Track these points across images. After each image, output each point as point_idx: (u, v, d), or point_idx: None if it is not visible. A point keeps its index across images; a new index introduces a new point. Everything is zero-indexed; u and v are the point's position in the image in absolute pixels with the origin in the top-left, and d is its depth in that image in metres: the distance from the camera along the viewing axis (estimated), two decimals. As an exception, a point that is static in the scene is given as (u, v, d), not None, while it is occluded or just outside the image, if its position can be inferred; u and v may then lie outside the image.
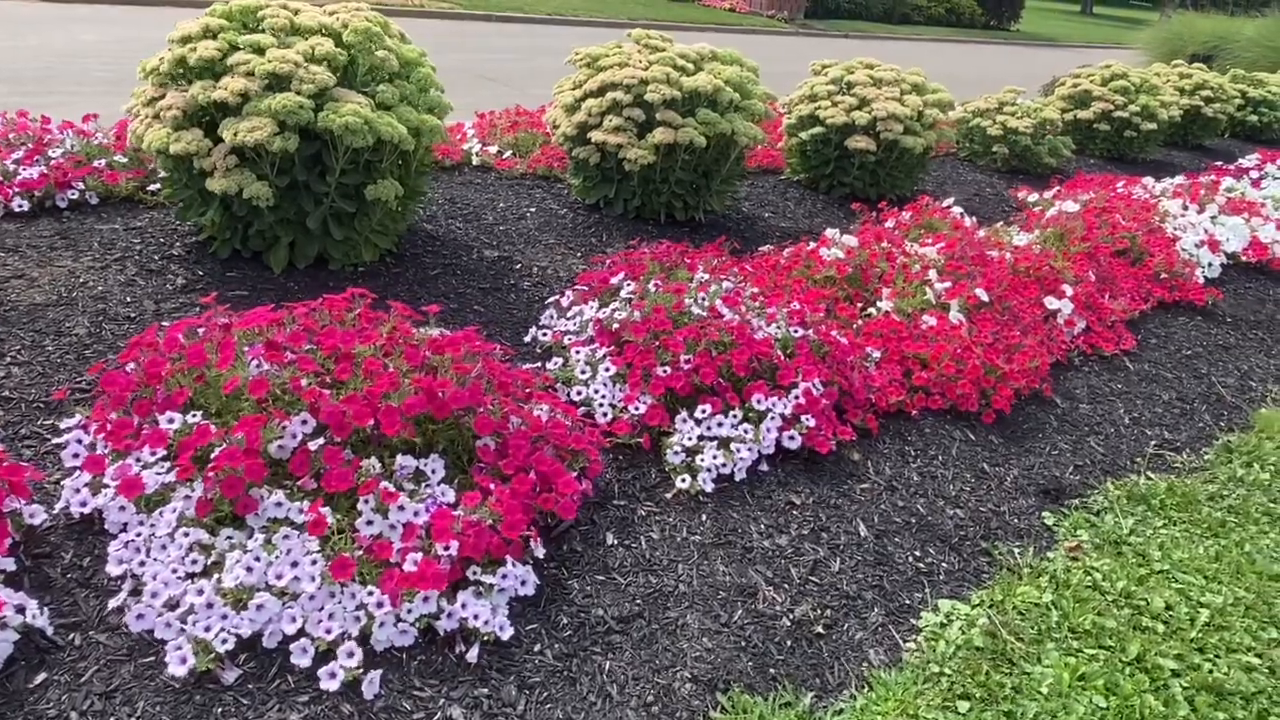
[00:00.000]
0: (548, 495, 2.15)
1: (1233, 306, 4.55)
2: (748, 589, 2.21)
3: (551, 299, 3.12)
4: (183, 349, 2.21)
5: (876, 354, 3.10)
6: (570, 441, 2.31)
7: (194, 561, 1.85)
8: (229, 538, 1.90)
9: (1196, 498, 2.89)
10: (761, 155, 5.56)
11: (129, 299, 2.83)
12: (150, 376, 2.13)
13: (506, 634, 1.88)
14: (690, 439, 2.55)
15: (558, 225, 3.97)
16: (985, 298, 3.38)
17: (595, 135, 3.78)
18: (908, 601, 2.29)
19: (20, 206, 3.30)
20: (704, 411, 2.60)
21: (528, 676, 1.86)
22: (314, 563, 1.83)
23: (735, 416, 2.64)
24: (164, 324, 2.66)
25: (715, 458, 2.52)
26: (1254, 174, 6.64)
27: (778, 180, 5.29)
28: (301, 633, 1.77)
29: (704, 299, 2.99)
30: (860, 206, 4.57)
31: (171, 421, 2.05)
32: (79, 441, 2.10)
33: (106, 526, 1.96)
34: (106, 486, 1.98)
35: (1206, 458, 3.20)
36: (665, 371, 2.66)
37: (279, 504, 1.91)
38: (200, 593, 1.76)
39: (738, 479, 2.55)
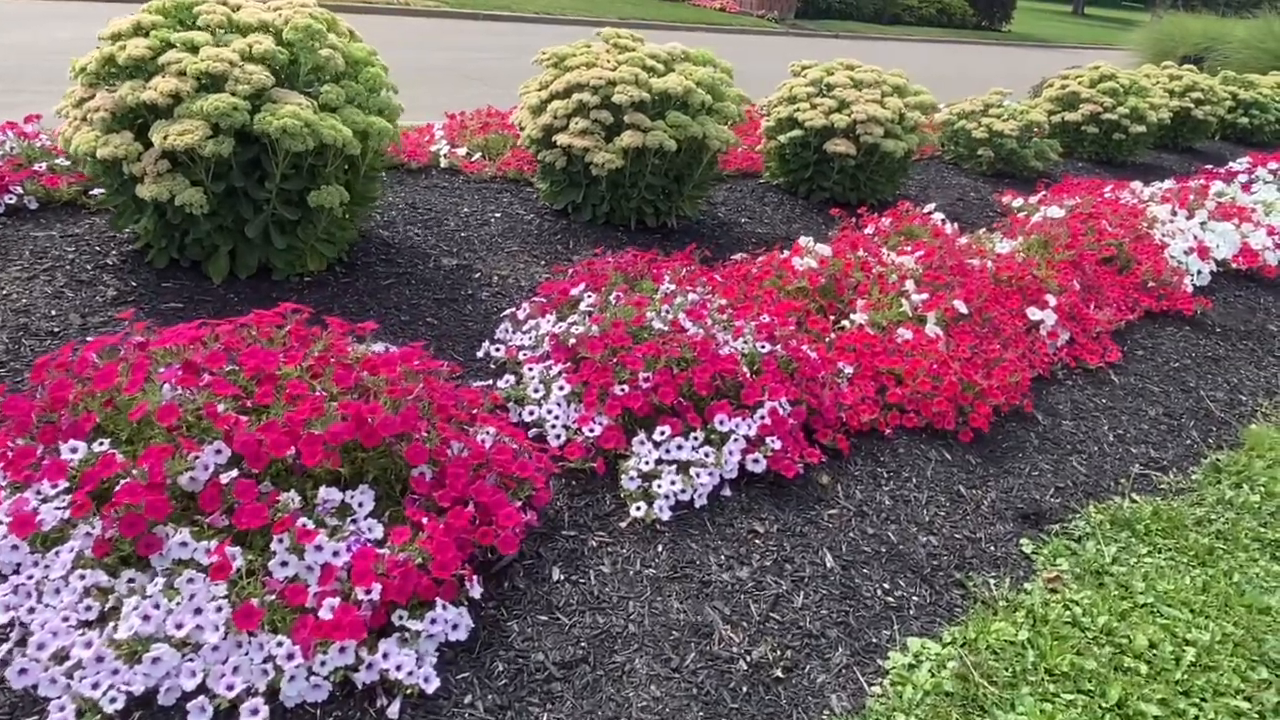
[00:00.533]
0: (487, 529, 2.00)
1: (1222, 316, 4.41)
2: (703, 628, 2.06)
3: (508, 311, 2.96)
4: (95, 369, 2.04)
5: (849, 369, 2.95)
6: (515, 468, 2.16)
7: (89, 608, 1.69)
8: (130, 581, 1.75)
9: (1183, 522, 2.75)
10: (740, 158, 5.41)
11: (54, 312, 2.67)
12: (55, 400, 1.96)
13: (432, 685, 1.73)
14: (647, 463, 2.40)
15: (522, 231, 3.81)
16: (964, 309, 3.24)
17: (561, 138, 3.63)
18: (875, 640, 2.14)
19: (-49, 212, 3.14)
20: (663, 433, 2.45)
21: (454, 733, 1.71)
22: (219, 610, 1.67)
23: (696, 439, 2.49)
24: (88, 339, 2.50)
25: (673, 484, 2.37)
26: (1244, 178, 6.52)
27: (756, 184, 5.14)
28: (202, 688, 1.61)
29: (667, 312, 2.84)
30: (839, 212, 4.43)
31: (75, 451, 1.88)
32: (-24, 472, 1.94)
33: (-1, 568, 1.80)
34: (0, 523, 1.81)
35: (1194, 478, 3.06)
36: (623, 390, 2.51)
37: (184, 544, 1.75)
38: (89, 645, 1.60)
39: (698, 505, 2.40)
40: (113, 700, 1.55)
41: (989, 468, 2.88)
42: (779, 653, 2.04)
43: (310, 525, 1.81)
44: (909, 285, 3.30)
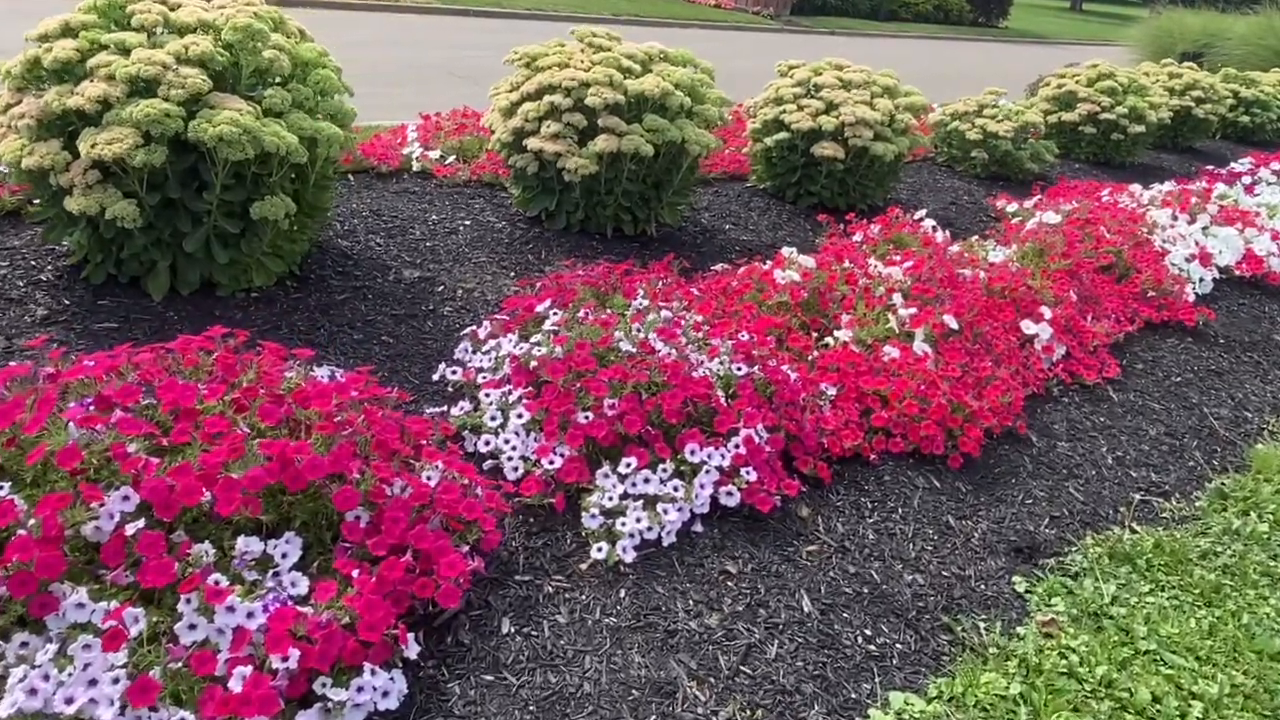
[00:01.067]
0: (427, 579, 1.82)
1: (1226, 326, 4.24)
2: (666, 686, 1.88)
3: (469, 330, 2.78)
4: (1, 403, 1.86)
5: (832, 391, 2.78)
6: (463, 509, 1.98)
7: (-30, 679, 1.51)
8: (23, 645, 1.57)
9: (1187, 556, 2.57)
10: (728, 161, 5.24)
11: (-23, 334, 2.49)
12: (-49, 440, 1.78)
13: (357, 763, 1.55)
14: (611, 498, 2.23)
15: (493, 240, 3.63)
16: (954, 325, 3.06)
17: (532, 142, 3.45)
18: (854, 695, 1.97)
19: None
20: (629, 465, 2.28)
21: (378, 819, 1.53)
22: (116, 681, 1.49)
23: (665, 470, 2.31)
24: (10, 364, 2.32)
25: (639, 521, 2.19)
26: (1247, 179, 6.35)
27: (743, 188, 4.96)
28: (91, 774, 1.43)
29: (638, 331, 2.67)
30: (827, 218, 4.25)
31: (-33, 498, 1.70)
32: None
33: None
34: (-120, 580, 1.63)
35: (1198, 504, 2.89)
36: (587, 418, 2.33)
37: (80, 604, 1.57)
38: (-38, 727, 1.42)
39: (666, 544, 2.22)
40: (-14, 791, 1.38)
41: (980, 496, 2.70)
42: (748, 712, 1.87)
43: (224, 582, 1.63)
44: (896, 299, 3.13)
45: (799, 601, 2.17)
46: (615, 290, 2.95)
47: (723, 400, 2.49)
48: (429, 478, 2.05)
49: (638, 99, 3.47)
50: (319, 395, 1.96)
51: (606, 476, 2.27)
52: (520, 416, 2.35)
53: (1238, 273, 4.66)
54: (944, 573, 2.38)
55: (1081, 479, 2.90)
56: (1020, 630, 2.22)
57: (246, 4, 2.67)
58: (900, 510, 2.56)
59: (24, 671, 1.50)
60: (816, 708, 1.91)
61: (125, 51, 2.41)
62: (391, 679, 1.67)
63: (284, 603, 1.66)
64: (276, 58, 2.57)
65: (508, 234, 3.70)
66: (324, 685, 1.61)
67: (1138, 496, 2.88)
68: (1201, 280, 4.41)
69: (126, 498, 1.68)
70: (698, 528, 2.29)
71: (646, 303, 2.89)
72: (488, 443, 2.35)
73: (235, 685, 1.52)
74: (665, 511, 2.21)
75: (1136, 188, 5.31)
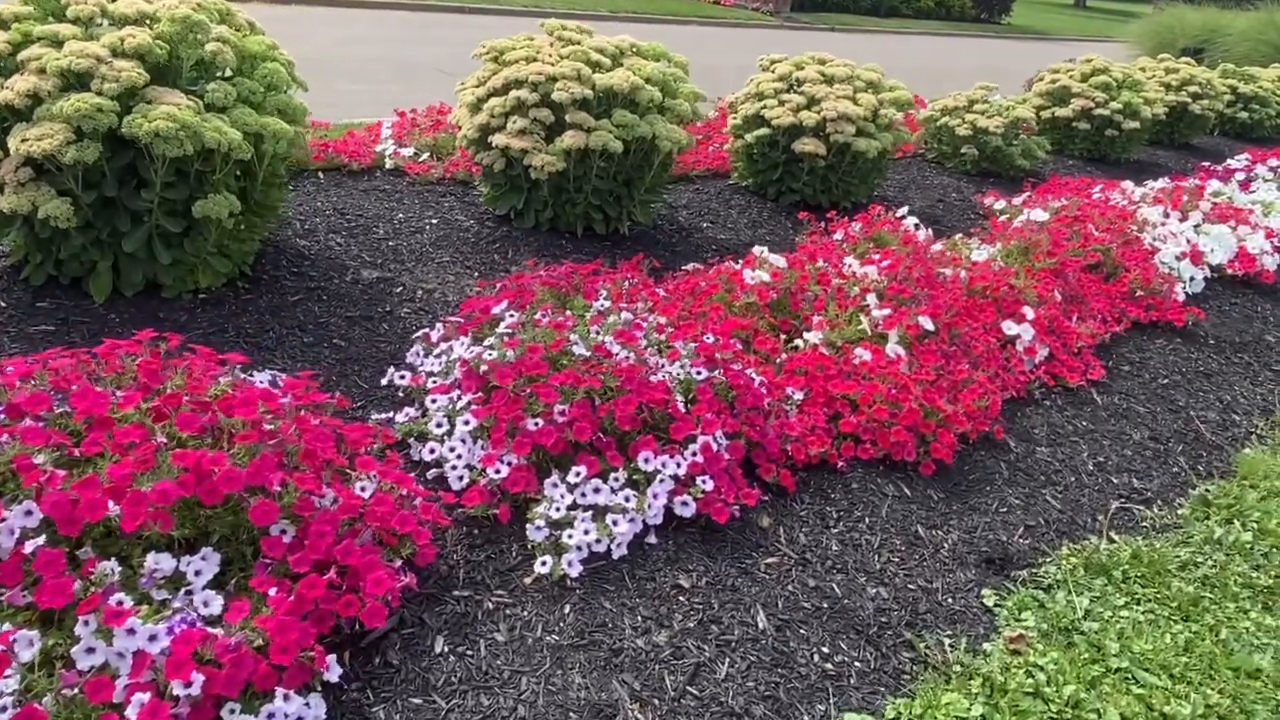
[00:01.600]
0: (352, 597, 1.73)
1: (1216, 326, 4.13)
2: (606, 708, 1.79)
3: (421, 332, 2.69)
4: (-92, 412, 1.78)
5: (799, 395, 2.68)
6: (395, 522, 1.89)
7: None
8: (-90, 670, 1.48)
9: (1166, 567, 2.47)
10: (711, 157, 5.14)
11: (-93, 338, 2.41)
12: None
13: (262, 797, 1.46)
14: (559, 509, 2.13)
15: (459, 239, 3.53)
16: (930, 326, 2.96)
17: (498, 139, 3.35)
18: (806, 717, 1.88)
19: None
20: (578, 474, 2.18)
21: None
22: (3, 710, 1.40)
23: (617, 480, 2.22)
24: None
25: (587, 533, 2.10)
26: (1242, 176, 6.23)
27: (724, 185, 4.86)
28: (-30, 811, 1.34)
29: (597, 333, 2.57)
30: (807, 216, 4.15)
31: None
32: None
33: None
34: None
35: (1180, 512, 2.79)
36: (536, 425, 2.24)
37: (-30, 628, 1.48)
38: None
39: (616, 556, 2.13)
40: None
41: (952, 504, 2.60)
42: (692, 737, 1.77)
43: (129, 602, 1.54)
44: (871, 299, 3.03)
45: (754, 617, 2.07)
46: (577, 291, 2.86)
47: (681, 406, 2.40)
48: (363, 489, 1.96)
49: (607, 94, 3.37)
50: (243, 403, 1.86)
51: (555, 486, 2.17)
52: (467, 423, 2.26)
53: (1230, 271, 4.55)
54: (910, 586, 2.28)
55: (1060, 486, 2.80)
56: (986, 647, 2.12)
57: (195, -6, 2.58)
58: (867, 520, 2.46)
59: (-94, 699, 1.41)
60: (766, 731, 1.82)
61: (59, 44, 2.33)
62: (308, 704, 1.58)
63: (192, 624, 1.57)
64: (220, 50, 2.48)
65: (475, 233, 3.61)
66: (232, 712, 1.52)
67: (1117, 504, 2.77)
68: (1192, 279, 4.30)
69: (29, 512, 1.60)
70: (651, 539, 2.20)
71: (608, 304, 2.79)
72: (433, 451, 2.25)
73: (132, 713, 1.43)
74: (615, 523, 2.12)
75: (1128, 184, 5.20)
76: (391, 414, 2.39)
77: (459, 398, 2.36)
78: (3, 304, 2.56)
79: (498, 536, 2.15)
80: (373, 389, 2.54)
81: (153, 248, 2.51)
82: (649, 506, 2.19)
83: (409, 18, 13.03)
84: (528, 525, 2.10)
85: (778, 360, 2.80)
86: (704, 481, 2.26)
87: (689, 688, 1.88)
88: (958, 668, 2.05)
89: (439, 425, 2.29)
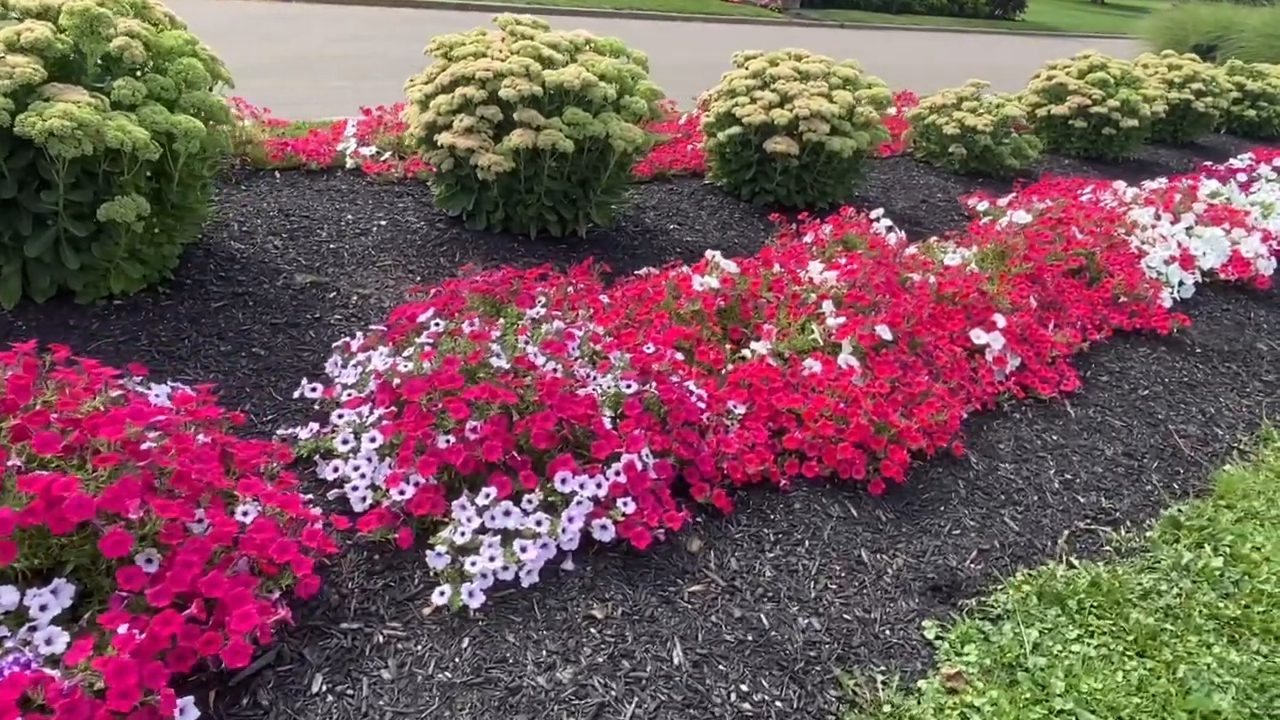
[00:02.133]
0: (215, 634, 1.60)
1: (1204, 334, 3.96)
2: (493, 754, 1.66)
3: (341, 341, 2.56)
4: None
5: (741, 409, 2.54)
6: (273, 550, 1.76)
7: None
8: None
9: (1126, 595, 2.32)
10: (690, 156, 4.99)
11: None
12: None
13: None
14: (464, 534, 2.00)
15: (405, 242, 3.41)
16: (888, 335, 2.81)
17: (443, 138, 3.22)
18: (715, 764, 1.74)
19: None
20: (487, 496, 2.05)
21: None
22: None
23: (531, 502, 2.09)
24: None
25: (493, 560, 1.97)
26: (1244, 176, 6.02)
27: (699, 185, 4.72)
28: None
29: (526, 343, 2.44)
30: (779, 217, 4.00)
31: None
32: None
33: None
34: None
35: (1149, 534, 2.63)
36: (448, 442, 2.11)
37: None
38: None
39: (526, 584, 1.99)
40: None
41: (901, 526, 2.46)
42: (584, 787, 1.64)
43: (-46, 642, 1.42)
44: (827, 306, 2.88)
45: (670, 651, 1.94)
46: (513, 297, 2.72)
47: (608, 422, 2.26)
48: (245, 513, 1.84)
49: (558, 91, 3.24)
50: (110, 421, 1.74)
51: (464, 508, 2.04)
52: (373, 440, 2.13)
53: (1222, 276, 4.37)
54: (846, 616, 2.14)
55: (1021, 506, 2.65)
56: (921, 685, 1.98)
57: (108, -14, 2.46)
58: (807, 543, 2.32)
59: None
60: (667, 780, 1.68)
61: (-48, 39, 2.21)
62: (149, 754, 1.45)
63: (26, 665, 1.45)
64: (127, 45, 2.35)
65: (423, 235, 3.48)
66: (61, 764, 1.39)
67: (1081, 524, 2.62)
68: (1182, 284, 4.12)
69: None
70: (568, 565, 2.06)
71: (544, 312, 2.66)
72: (336, 469, 2.13)
73: (-61, 769, 1.31)
74: (523, 549, 1.98)
75: (1121, 185, 5.02)
76: (295, 430, 2.26)
77: (370, 412, 2.23)
78: (-97, 311, 2.46)
79: (400, 563, 2.02)
80: (287, 401, 2.42)
81: (60, 252, 2.40)
82: (563, 530, 2.05)
83: (410, 15, 12.94)
84: (427, 551, 1.97)
85: (722, 372, 2.66)
86: (625, 504, 2.12)
87: (588, 730, 1.74)
88: (886, 708, 1.90)
89: (345, 442, 2.16)
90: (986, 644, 2.11)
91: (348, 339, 2.55)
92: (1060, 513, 2.66)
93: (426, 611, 1.92)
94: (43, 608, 1.54)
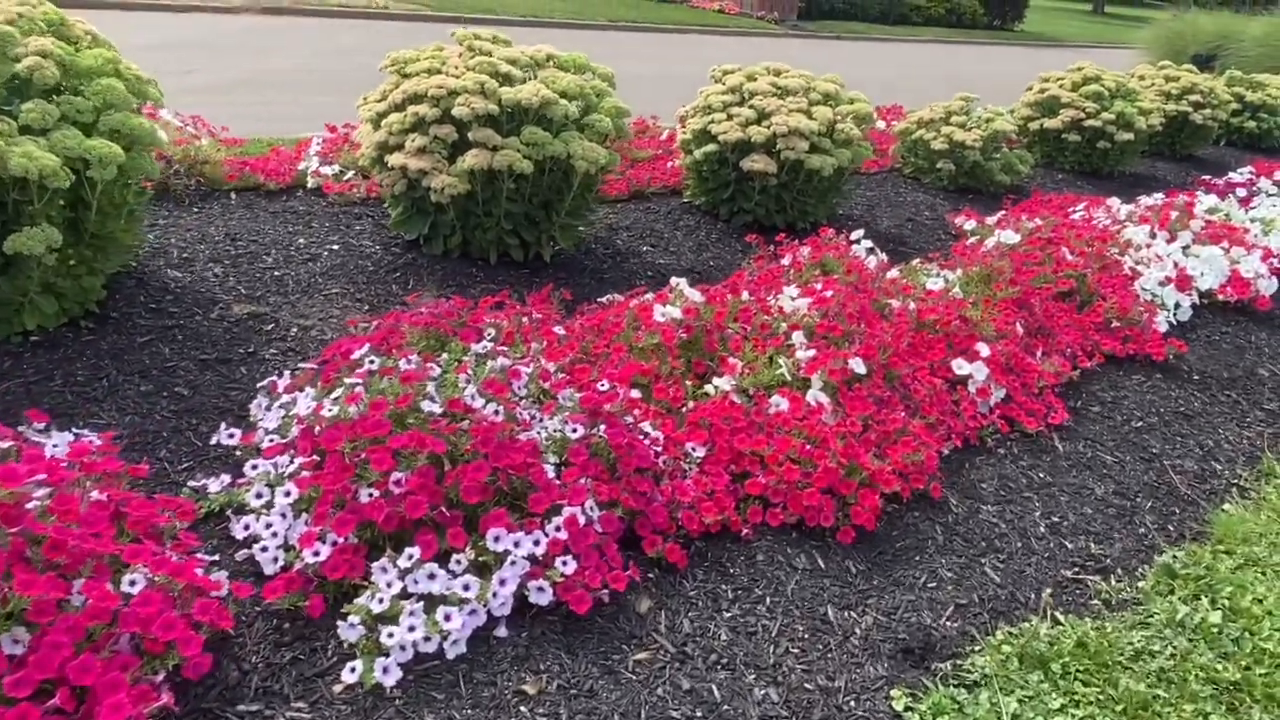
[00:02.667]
0: (80, 728, 1.42)
1: (1202, 359, 3.77)
2: None
3: (267, 381, 2.39)
4: None
5: (700, 452, 2.36)
6: (157, 627, 1.58)
7: None
8: None
9: (1116, 658, 2.13)
10: (670, 174, 4.82)
11: None
12: None
13: None
14: (383, 600, 1.82)
15: (356, 268, 3.23)
16: (861, 369, 2.63)
17: (395, 158, 3.06)
18: None
19: None
20: (410, 557, 1.87)
21: None
22: None
23: (460, 563, 1.91)
24: None
25: (412, 630, 1.79)
26: (1243, 191, 5.85)
27: (677, 204, 4.55)
28: None
29: (466, 383, 2.26)
30: (756, 239, 3.83)
31: None
32: None
33: None
34: None
35: (1142, 584, 2.44)
36: (370, 495, 1.93)
37: None
38: None
39: (452, 655, 1.81)
40: None
41: (872, 578, 2.27)
42: None
43: None
44: (797, 338, 2.71)
45: (607, 732, 1.75)
46: (459, 330, 2.55)
47: (550, 470, 2.08)
48: (132, 583, 1.66)
49: (515, 109, 3.07)
50: (-25, 485, 1.56)
51: (384, 571, 1.86)
52: (288, 494, 1.95)
53: (1221, 297, 4.19)
54: (807, 685, 1.95)
55: (1003, 554, 2.46)
56: (886, 767, 1.79)
57: (19, 2, 2.29)
58: (769, 600, 2.14)
59: None
60: None
61: None
62: None
63: None
64: (38, 65, 2.19)
65: (376, 261, 3.30)
66: None
67: (1069, 574, 2.43)
68: (1178, 307, 3.94)
69: None
70: (500, 632, 1.88)
71: (490, 346, 2.48)
72: (247, 527, 1.95)
73: None
74: (447, 617, 1.80)
75: (1115, 202, 4.85)
76: (208, 481, 2.08)
77: (290, 462, 2.05)
78: None
79: (312, 632, 1.84)
80: (206, 448, 2.24)
81: (-37, 287, 2.24)
82: (494, 595, 1.87)
83: (405, 28, 12.82)
84: (339, 622, 1.78)
85: (682, 410, 2.48)
86: (565, 563, 1.94)
87: (509, 829, 1.56)
88: (846, 796, 1.71)
89: (259, 495, 1.98)
90: (961, 716, 1.92)
91: (274, 378, 2.37)
92: (1046, 560, 2.47)
93: (337, 689, 1.73)
94: (-122, 703, 1.36)
